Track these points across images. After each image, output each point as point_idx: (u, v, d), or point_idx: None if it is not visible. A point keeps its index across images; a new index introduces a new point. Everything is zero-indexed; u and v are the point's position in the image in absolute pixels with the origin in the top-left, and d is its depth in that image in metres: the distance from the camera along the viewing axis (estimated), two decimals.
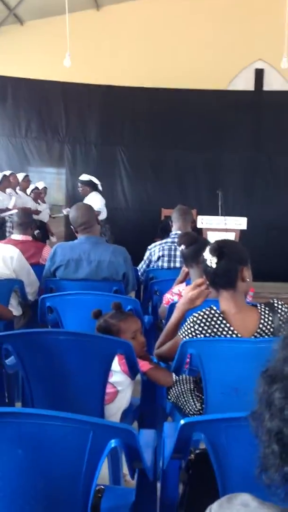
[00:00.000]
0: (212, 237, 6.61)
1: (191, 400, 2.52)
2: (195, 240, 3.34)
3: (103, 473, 2.26)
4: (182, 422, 1.55)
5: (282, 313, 2.39)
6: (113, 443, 1.45)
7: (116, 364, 2.47)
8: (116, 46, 9.67)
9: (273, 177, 9.79)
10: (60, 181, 10.31)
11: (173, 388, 2.62)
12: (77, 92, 9.88)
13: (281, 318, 2.37)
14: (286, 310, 2.40)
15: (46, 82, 9.74)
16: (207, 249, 2.39)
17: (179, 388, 2.60)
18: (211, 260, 2.35)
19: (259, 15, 9.37)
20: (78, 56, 8.63)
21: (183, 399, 2.56)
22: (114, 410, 2.46)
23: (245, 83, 9.96)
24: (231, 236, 6.50)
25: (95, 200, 7.15)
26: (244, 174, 9.82)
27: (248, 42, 9.49)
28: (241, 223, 6.88)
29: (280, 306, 2.42)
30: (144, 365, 2.52)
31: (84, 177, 7.61)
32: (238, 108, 9.75)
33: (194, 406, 2.50)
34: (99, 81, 9.64)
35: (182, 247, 3.37)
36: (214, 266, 2.35)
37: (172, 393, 2.62)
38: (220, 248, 2.37)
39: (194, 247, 3.29)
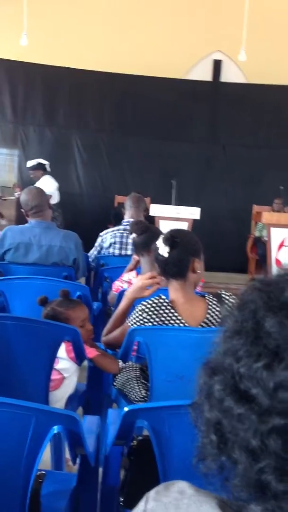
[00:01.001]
0: (165, 226, 6.65)
1: (137, 387, 2.54)
2: (146, 229, 3.35)
3: (46, 458, 2.26)
4: (126, 409, 1.57)
5: (229, 304, 2.43)
6: (55, 429, 1.45)
7: (63, 351, 2.46)
8: (75, 29, 9.51)
9: (227, 168, 9.89)
10: (12, 162, 10.12)
11: (119, 375, 2.64)
12: (33, 73, 9.68)
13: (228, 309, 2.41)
14: (233, 301, 2.44)
15: (1, 60, 9.51)
16: (161, 237, 2.40)
17: (125, 375, 2.61)
18: (163, 249, 2.36)
19: (219, 6, 9.38)
20: (35, 35, 8.48)
21: (128, 386, 2.57)
22: (59, 397, 2.46)
23: (203, 74, 9.98)
24: (184, 226, 6.54)
25: (47, 184, 7.08)
26: (199, 164, 9.88)
27: (207, 33, 9.50)
28: (194, 213, 6.93)
29: (227, 297, 2.46)
30: (90, 352, 2.52)
31: (31, 162, 7.53)
32: (195, 98, 9.78)
33: (139, 393, 2.52)
34: (57, 63, 9.48)
35: (134, 235, 3.38)
36: (166, 255, 2.36)
37: (118, 380, 2.63)
38: (173, 238, 2.38)
39: (146, 235, 3.30)
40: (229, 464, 0.69)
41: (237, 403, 0.65)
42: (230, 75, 9.95)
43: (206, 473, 0.74)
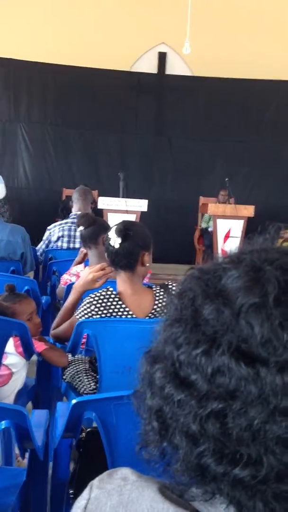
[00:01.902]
0: (113, 219, 6.65)
1: (86, 380, 2.55)
2: (93, 222, 3.35)
3: None
4: (74, 401, 1.58)
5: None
6: (3, 424, 1.44)
7: (11, 346, 2.44)
8: (18, 19, 9.34)
9: (173, 160, 9.96)
10: None
11: (69, 369, 2.64)
12: None
13: None
14: None
15: None
16: (113, 228, 2.40)
17: (75, 368, 2.62)
18: (115, 240, 2.37)
19: None
20: None
21: (78, 379, 2.58)
22: (8, 392, 2.44)
23: (148, 66, 10.00)
24: (132, 218, 6.57)
25: None
26: (145, 156, 9.91)
27: (152, 25, 9.51)
28: (141, 205, 6.97)
29: (174, 288, 2.49)
30: (39, 346, 2.51)
31: None
32: (140, 90, 9.79)
33: (88, 386, 2.54)
34: (2, 54, 9.32)
35: (81, 228, 3.37)
36: (117, 246, 2.37)
37: (67, 373, 2.64)
38: (126, 230, 2.39)
39: (93, 228, 3.30)
40: (170, 449, 0.71)
41: (177, 389, 0.67)
42: (175, 67, 10.00)
43: (149, 460, 0.75)
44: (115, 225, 2.44)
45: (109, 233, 2.42)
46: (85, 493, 0.77)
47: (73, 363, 2.63)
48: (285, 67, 9.50)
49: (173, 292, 0.76)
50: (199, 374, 0.64)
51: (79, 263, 3.59)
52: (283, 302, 0.63)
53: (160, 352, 0.71)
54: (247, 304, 0.63)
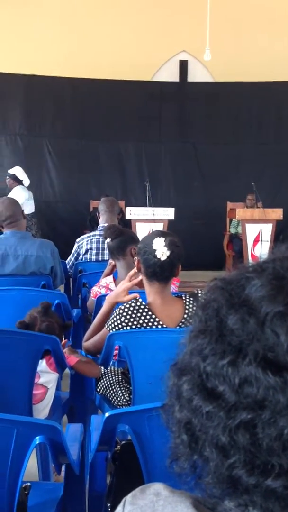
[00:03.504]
0: (141, 228, 6.67)
1: (119, 392, 2.55)
2: (120, 233, 3.36)
3: (34, 470, 2.26)
4: (106, 414, 1.58)
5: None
6: (37, 439, 1.46)
7: (43, 365, 2.46)
8: (37, 34, 9.48)
9: (199, 167, 9.95)
10: None
11: (102, 381, 2.65)
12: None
13: None
14: None
15: None
16: (160, 240, 2.39)
17: (108, 380, 2.63)
18: (163, 252, 2.36)
19: (181, 7, 9.44)
20: None
21: (111, 391, 2.59)
22: (43, 406, 2.46)
23: (170, 75, 10.04)
24: (159, 227, 6.59)
25: (18, 195, 7.05)
26: (170, 164, 9.93)
27: (172, 34, 9.55)
28: (168, 213, 6.98)
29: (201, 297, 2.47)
30: (71, 360, 2.53)
31: (12, 170, 7.51)
32: (163, 99, 9.83)
33: (122, 397, 2.54)
34: (20, 70, 9.45)
35: (108, 239, 3.39)
36: (163, 258, 2.36)
37: (100, 385, 2.65)
38: (174, 243, 2.40)
39: (120, 239, 3.31)
40: (201, 462, 0.71)
41: (205, 401, 0.67)
42: (196, 74, 10.01)
43: (180, 473, 0.75)
44: (158, 237, 2.41)
45: (155, 245, 2.39)
46: (118, 509, 0.78)
47: (106, 375, 2.64)
48: None
49: (198, 304, 0.75)
50: (226, 385, 0.64)
51: (108, 275, 3.60)
52: None
53: (186, 364, 0.71)
54: (272, 313, 0.63)
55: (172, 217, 6.89)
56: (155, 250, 2.37)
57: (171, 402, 0.74)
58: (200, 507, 0.71)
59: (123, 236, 3.33)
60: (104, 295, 2.94)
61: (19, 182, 7.36)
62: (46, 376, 2.47)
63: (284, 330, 0.62)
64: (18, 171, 7.55)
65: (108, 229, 3.44)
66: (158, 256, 2.36)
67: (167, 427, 0.77)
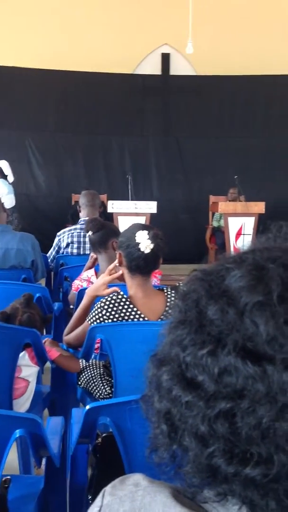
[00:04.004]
0: (123, 222, 6.65)
1: (101, 385, 2.55)
2: (102, 226, 3.35)
3: (14, 463, 2.25)
4: (87, 407, 1.57)
5: None
6: (17, 433, 1.44)
7: (25, 359, 2.44)
8: (18, 27, 9.38)
9: (182, 160, 9.96)
10: None
11: (83, 374, 2.64)
12: None
13: None
14: None
15: None
16: (144, 233, 2.37)
17: (89, 373, 2.62)
18: (147, 245, 2.35)
19: (164, 0, 9.42)
20: None
21: (93, 384, 2.58)
22: (23, 400, 2.44)
23: (152, 68, 10.01)
24: (142, 220, 6.57)
25: None
26: (154, 157, 9.92)
27: (154, 27, 9.52)
28: (151, 207, 6.97)
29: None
30: (52, 353, 2.51)
31: None
32: (145, 92, 9.81)
33: (104, 391, 2.53)
34: (3, 62, 9.36)
35: (90, 233, 3.37)
36: (147, 251, 2.35)
37: (82, 378, 2.64)
38: (157, 236, 2.39)
39: (102, 233, 3.30)
40: (180, 452, 0.71)
41: (185, 391, 0.67)
42: (179, 67, 10.00)
43: (160, 463, 0.75)
44: (140, 230, 2.39)
45: (138, 238, 2.38)
46: (97, 500, 0.77)
47: (87, 368, 2.63)
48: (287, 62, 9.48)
49: (178, 295, 0.75)
50: (206, 374, 0.64)
51: (90, 268, 3.59)
52: (287, 299, 0.63)
53: (166, 355, 0.72)
54: (251, 303, 0.63)
55: (154, 210, 6.89)
56: (138, 243, 2.36)
57: (150, 393, 0.74)
58: (179, 496, 0.71)
59: (104, 229, 3.32)
60: (86, 289, 2.93)
61: (3, 176, 7.28)
62: (28, 369, 2.45)
63: (263, 320, 0.62)
64: (4, 165, 7.46)
65: (90, 222, 3.42)
66: (142, 249, 2.35)
67: (146, 417, 0.77)
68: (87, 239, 4.40)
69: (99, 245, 3.30)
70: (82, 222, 4.59)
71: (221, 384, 0.63)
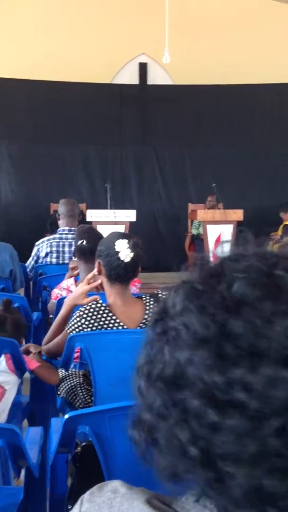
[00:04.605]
0: (103, 231, 6.63)
1: (81, 394, 2.54)
2: (98, 238, 3.32)
3: None
4: (66, 416, 1.57)
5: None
6: None
7: (3, 364, 2.43)
8: None
9: (160, 169, 10.00)
10: None
11: (63, 383, 2.63)
12: None
13: None
14: None
15: None
16: (123, 242, 2.38)
17: (69, 382, 2.61)
18: (127, 254, 2.36)
19: (140, 10, 9.47)
20: None
21: (73, 394, 2.57)
22: (1, 410, 2.42)
23: (130, 77, 10.06)
24: (121, 229, 6.57)
25: None
26: (132, 166, 9.94)
27: (131, 37, 9.57)
28: (130, 215, 6.98)
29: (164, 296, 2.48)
30: (31, 363, 2.50)
31: None
32: (123, 102, 9.83)
33: (84, 400, 2.53)
34: None
35: (84, 241, 3.34)
36: (127, 260, 2.36)
37: (62, 388, 2.63)
38: (137, 244, 2.39)
39: (94, 242, 3.27)
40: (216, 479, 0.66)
41: (225, 414, 0.61)
42: (156, 77, 10.06)
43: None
44: (120, 238, 2.40)
45: (117, 247, 2.38)
46: (75, 508, 0.77)
47: (67, 378, 2.62)
48: (265, 71, 9.59)
49: (176, 313, 0.67)
50: (247, 392, 0.60)
51: (70, 277, 3.58)
52: None
53: (179, 377, 0.65)
54: (279, 311, 0.62)
55: (134, 219, 6.89)
56: (118, 252, 2.37)
57: (168, 422, 0.66)
58: (153, 502, 0.71)
59: (97, 239, 3.30)
60: (65, 297, 2.92)
61: None
62: (4, 376, 2.43)
63: None
64: None
65: (87, 232, 3.41)
66: (122, 258, 2.36)
67: (159, 450, 0.71)
68: (66, 249, 4.40)
69: (90, 254, 3.28)
70: (60, 232, 4.58)
71: (267, 400, 0.59)
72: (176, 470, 0.66)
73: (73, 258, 3.75)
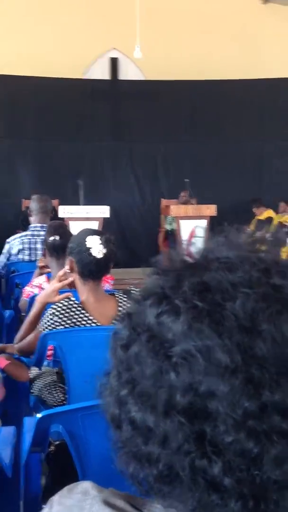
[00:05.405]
0: (75, 227, 6.60)
1: (54, 392, 2.52)
2: (71, 234, 3.30)
3: None
4: (38, 415, 1.56)
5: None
6: None
7: None
8: None
9: (133, 165, 9.99)
10: None
11: (36, 382, 2.61)
12: None
13: None
14: None
15: None
16: (96, 238, 2.36)
17: (42, 381, 2.59)
18: (99, 250, 2.34)
19: (111, 4, 9.42)
20: None
21: (46, 392, 2.55)
22: None
23: (101, 72, 10.01)
24: (95, 225, 6.54)
25: None
26: (105, 162, 9.91)
27: (102, 31, 9.51)
28: (104, 211, 6.95)
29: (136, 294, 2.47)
30: (1, 362, 2.47)
31: None
32: (95, 97, 9.78)
33: (57, 398, 2.51)
34: None
35: (56, 237, 3.30)
36: (100, 256, 2.34)
37: (35, 386, 2.60)
38: (109, 240, 2.38)
39: (67, 239, 3.24)
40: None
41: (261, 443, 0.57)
42: (128, 72, 10.04)
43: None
44: (91, 235, 2.38)
45: (88, 243, 2.36)
46: (45, 510, 0.76)
47: (40, 376, 2.60)
48: (236, 67, 9.64)
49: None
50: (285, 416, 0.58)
51: (41, 274, 3.55)
52: None
53: (199, 407, 0.58)
54: None
55: (107, 215, 6.87)
56: (89, 249, 2.36)
57: (193, 455, 0.59)
58: (126, 505, 0.71)
59: (68, 235, 3.27)
60: (37, 295, 2.90)
61: None
62: None
63: None
64: None
65: (60, 228, 3.39)
66: (94, 254, 2.35)
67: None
68: (38, 246, 4.36)
69: (63, 250, 3.25)
70: (32, 228, 4.54)
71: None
72: (201, 503, 0.60)
73: (42, 256, 3.72)
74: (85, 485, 0.75)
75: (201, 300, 0.60)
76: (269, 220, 9.21)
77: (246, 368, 0.57)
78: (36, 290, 3.36)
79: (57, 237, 3.30)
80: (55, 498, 0.77)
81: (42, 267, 3.48)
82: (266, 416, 0.56)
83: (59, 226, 3.45)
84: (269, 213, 9.43)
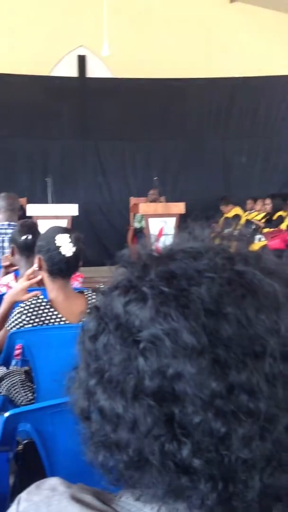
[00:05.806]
0: (44, 225, 6.55)
1: (23, 391, 2.50)
2: (38, 231, 3.28)
3: None
4: (6, 414, 1.54)
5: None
6: None
7: None
8: None
9: (101, 163, 9.96)
10: None
11: (4, 381, 2.58)
12: None
13: None
14: None
15: None
16: (65, 237, 2.35)
17: (10, 380, 2.56)
18: (69, 248, 2.33)
19: (79, 2, 9.38)
20: None
21: (14, 391, 2.53)
22: None
23: (69, 70, 9.96)
24: (63, 223, 6.51)
25: None
26: (73, 160, 9.86)
27: (69, 29, 9.47)
28: (72, 209, 6.93)
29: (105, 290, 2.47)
30: None
31: None
32: (62, 95, 9.73)
33: (26, 397, 2.49)
34: None
35: (29, 236, 3.27)
36: (69, 254, 2.33)
37: (3, 386, 2.58)
38: (78, 238, 2.37)
39: (36, 237, 3.22)
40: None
41: (228, 423, 0.58)
42: (95, 70, 10.00)
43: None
44: (60, 233, 2.37)
45: (57, 241, 2.35)
46: (12, 508, 0.76)
47: (8, 376, 2.57)
48: (202, 65, 9.71)
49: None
50: (253, 396, 0.58)
51: (8, 273, 3.52)
52: None
53: (167, 390, 0.59)
54: (262, 306, 0.61)
55: (76, 213, 6.85)
56: (59, 247, 2.35)
57: (163, 439, 0.60)
58: (94, 501, 0.70)
59: (38, 233, 3.25)
60: (4, 294, 2.87)
61: None
62: None
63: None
64: None
65: (33, 226, 3.36)
66: (63, 253, 2.34)
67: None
68: (6, 244, 4.31)
69: (32, 249, 3.22)
70: (0, 226, 4.49)
71: (274, 399, 0.58)
72: (172, 487, 0.61)
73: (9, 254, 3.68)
74: (53, 482, 0.75)
75: (168, 286, 0.61)
76: (237, 217, 9.30)
77: (213, 349, 0.57)
78: (4, 289, 3.33)
79: (30, 236, 3.28)
80: (23, 495, 0.76)
81: (7, 266, 3.44)
82: (233, 396, 0.57)
83: (32, 225, 3.43)
84: (237, 210, 9.53)
